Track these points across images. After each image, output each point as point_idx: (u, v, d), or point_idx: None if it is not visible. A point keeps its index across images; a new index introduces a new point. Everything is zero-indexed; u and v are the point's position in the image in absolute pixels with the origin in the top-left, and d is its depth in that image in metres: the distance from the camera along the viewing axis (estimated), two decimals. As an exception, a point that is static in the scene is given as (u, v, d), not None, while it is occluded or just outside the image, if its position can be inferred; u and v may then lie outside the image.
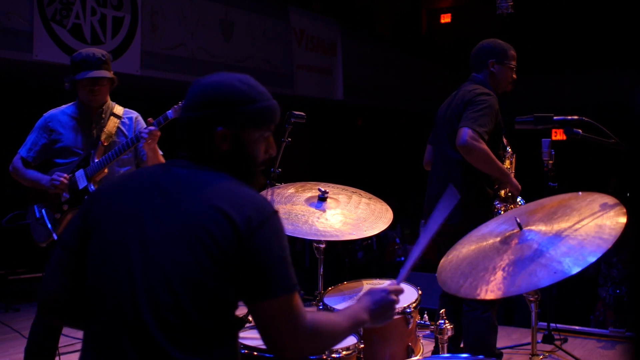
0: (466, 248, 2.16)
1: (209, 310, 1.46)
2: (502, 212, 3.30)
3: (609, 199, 2.00)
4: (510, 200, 3.36)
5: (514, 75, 3.51)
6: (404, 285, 2.75)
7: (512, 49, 3.52)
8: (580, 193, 2.15)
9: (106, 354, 1.46)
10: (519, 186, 3.34)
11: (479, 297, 1.88)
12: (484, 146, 3.16)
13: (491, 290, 1.85)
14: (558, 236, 1.92)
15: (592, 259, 1.77)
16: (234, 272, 1.46)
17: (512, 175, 3.44)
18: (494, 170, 3.27)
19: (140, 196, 1.54)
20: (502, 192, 3.39)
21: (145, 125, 3.20)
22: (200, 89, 1.59)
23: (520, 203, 3.43)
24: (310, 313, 1.55)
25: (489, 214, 3.30)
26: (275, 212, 1.53)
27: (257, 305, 1.49)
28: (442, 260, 2.18)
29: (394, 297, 1.74)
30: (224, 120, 1.56)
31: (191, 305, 1.44)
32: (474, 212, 3.23)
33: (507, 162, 3.51)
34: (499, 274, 1.88)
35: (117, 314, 1.46)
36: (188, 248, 1.45)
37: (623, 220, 1.83)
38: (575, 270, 1.76)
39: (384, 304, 1.72)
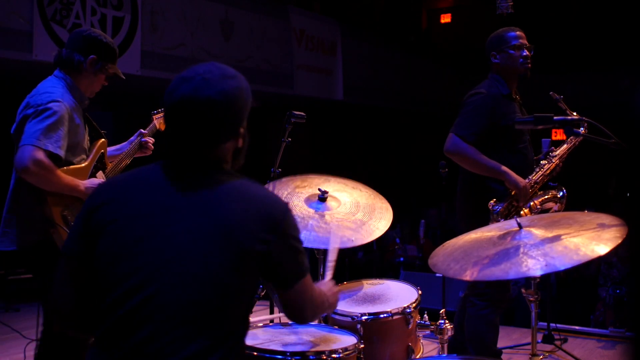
0: (464, 239, 2.24)
1: (223, 310, 1.47)
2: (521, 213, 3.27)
3: (609, 220, 2.06)
4: (515, 202, 3.25)
5: (526, 52, 3.39)
6: (404, 285, 2.76)
7: (510, 30, 3.44)
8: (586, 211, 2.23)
9: (119, 352, 1.46)
10: (520, 183, 3.21)
11: (464, 279, 1.99)
12: (465, 149, 3.24)
13: (472, 273, 1.97)
14: (552, 240, 1.99)
15: (560, 267, 1.90)
16: (253, 267, 1.50)
17: (540, 173, 3.33)
18: (481, 169, 3.28)
19: (149, 197, 1.54)
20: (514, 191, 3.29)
21: None
22: (217, 101, 1.54)
23: (559, 195, 3.36)
24: (318, 287, 1.78)
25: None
26: (288, 206, 1.62)
27: (286, 291, 1.62)
28: (437, 248, 2.23)
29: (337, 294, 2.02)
30: (245, 119, 1.64)
31: (205, 305, 1.45)
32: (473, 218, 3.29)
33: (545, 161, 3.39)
34: (485, 262, 1.99)
35: (130, 313, 1.46)
36: (209, 248, 1.46)
37: (606, 249, 1.93)
38: (536, 273, 1.90)
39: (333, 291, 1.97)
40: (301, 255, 1.62)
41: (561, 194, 3.33)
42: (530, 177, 3.30)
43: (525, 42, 3.41)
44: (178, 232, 1.48)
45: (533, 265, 1.88)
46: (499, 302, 3.35)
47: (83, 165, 2.72)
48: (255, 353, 2.12)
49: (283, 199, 1.66)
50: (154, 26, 7.15)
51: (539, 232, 2.07)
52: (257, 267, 1.51)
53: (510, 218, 3.17)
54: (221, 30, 8.12)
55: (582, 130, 3.13)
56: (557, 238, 2.00)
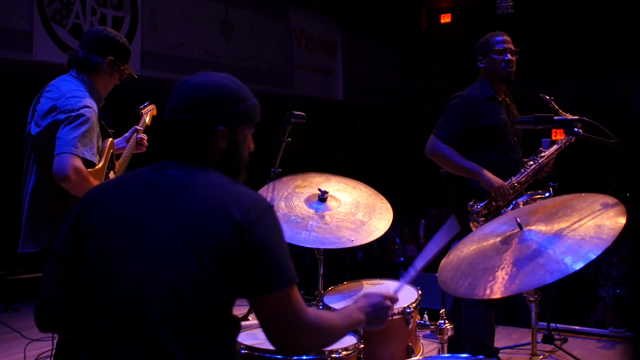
0: (467, 248, 2.17)
1: (212, 309, 1.47)
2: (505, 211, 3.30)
3: (610, 199, 2.00)
4: (495, 202, 3.34)
5: (510, 55, 3.47)
6: (404, 285, 2.76)
7: (495, 35, 3.53)
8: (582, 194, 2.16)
9: (108, 355, 1.46)
10: (495, 184, 3.29)
11: (477, 297, 1.90)
12: (443, 149, 3.38)
13: (491, 290, 1.86)
14: (557, 235, 1.93)
15: (592, 256, 1.78)
16: (235, 268, 1.47)
17: (527, 174, 3.37)
18: (458, 169, 3.40)
19: (136, 198, 1.54)
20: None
21: None
22: (194, 89, 1.59)
23: (545, 196, 3.40)
24: (312, 309, 1.57)
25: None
26: (271, 207, 1.56)
27: (259, 299, 1.50)
28: (442, 261, 2.19)
29: (388, 303, 1.81)
30: (224, 120, 1.59)
31: (194, 304, 1.44)
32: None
33: (532, 161, 3.44)
34: (499, 274, 1.90)
35: (119, 315, 1.46)
36: (190, 247, 1.46)
37: (623, 220, 1.84)
38: (575, 267, 1.77)
39: (379, 307, 1.79)
40: (280, 260, 1.50)
41: (547, 194, 3.38)
42: (513, 177, 3.36)
43: (509, 46, 3.50)
44: (159, 235, 1.48)
45: (560, 264, 1.78)
46: (496, 301, 3.37)
47: (100, 165, 2.74)
48: (255, 353, 2.12)
49: (266, 200, 1.58)
50: (154, 26, 7.15)
51: (542, 229, 2.01)
52: (237, 267, 1.47)
53: (492, 218, 3.27)
54: (221, 30, 8.12)
55: (576, 132, 3.20)
56: (567, 229, 1.92)
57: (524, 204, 3.33)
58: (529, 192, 3.40)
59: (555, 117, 3.03)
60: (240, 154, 1.65)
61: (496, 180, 3.30)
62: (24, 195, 2.69)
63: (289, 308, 1.50)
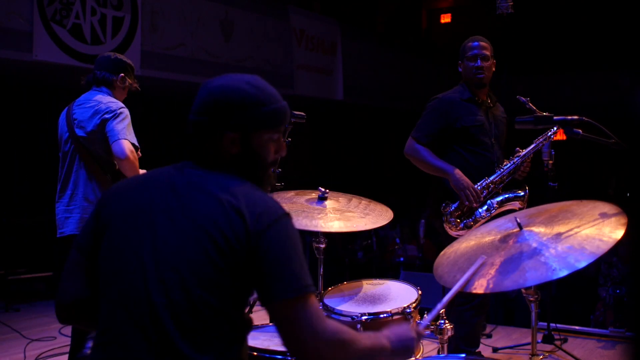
0: (464, 244, 2.18)
1: (222, 310, 1.47)
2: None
3: (610, 208, 2.01)
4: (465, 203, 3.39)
5: (480, 62, 3.54)
6: (404, 285, 2.77)
7: (471, 41, 3.62)
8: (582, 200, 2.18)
9: (117, 351, 1.47)
10: (463, 184, 3.35)
11: (474, 292, 1.92)
12: (419, 150, 3.49)
13: (484, 284, 1.89)
14: (556, 238, 1.94)
15: (583, 264, 1.78)
16: (243, 270, 1.47)
17: (510, 177, 3.45)
18: (431, 169, 3.47)
19: (153, 196, 1.55)
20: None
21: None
22: (208, 92, 1.58)
23: (520, 195, 3.45)
24: (334, 322, 1.52)
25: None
26: (287, 214, 1.53)
27: (270, 306, 1.48)
28: (440, 255, 2.20)
29: (414, 334, 1.71)
30: (232, 124, 1.56)
31: (204, 304, 1.44)
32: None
33: (507, 161, 3.51)
34: (494, 270, 1.91)
35: (129, 311, 1.46)
36: (200, 247, 1.46)
37: (621, 231, 1.85)
38: (564, 273, 1.78)
39: (405, 337, 1.68)
40: (290, 268, 1.46)
41: (522, 193, 3.44)
42: (488, 177, 3.43)
43: (482, 52, 3.56)
44: (172, 234, 1.48)
45: (554, 266, 1.79)
46: (481, 305, 3.45)
47: None
48: (255, 353, 2.12)
49: (282, 207, 1.54)
50: (154, 26, 7.15)
51: (541, 230, 2.02)
52: (245, 270, 1.46)
53: (465, 218, 3.38)
54: (221, 30, 8.12)
55: (554, 131, 3.31)
56: (565, 234, 1.93)
57: (499, 203, 3.40)
58: (505, 192, 3.45)
59: (555, 117, 3.03)
60: (258, 160, 1.60)
61: (464, 181, 3.35)
62: (70, 188, 3.25)
63: (301, 317, 1.43)
